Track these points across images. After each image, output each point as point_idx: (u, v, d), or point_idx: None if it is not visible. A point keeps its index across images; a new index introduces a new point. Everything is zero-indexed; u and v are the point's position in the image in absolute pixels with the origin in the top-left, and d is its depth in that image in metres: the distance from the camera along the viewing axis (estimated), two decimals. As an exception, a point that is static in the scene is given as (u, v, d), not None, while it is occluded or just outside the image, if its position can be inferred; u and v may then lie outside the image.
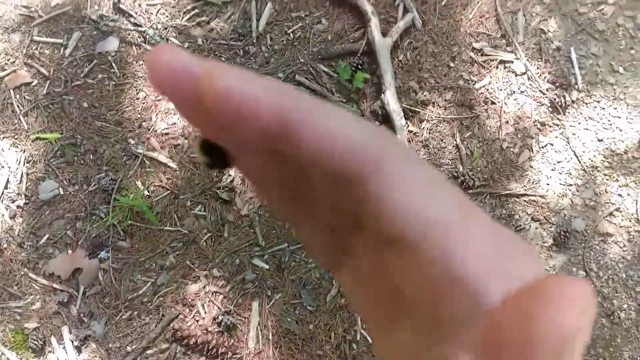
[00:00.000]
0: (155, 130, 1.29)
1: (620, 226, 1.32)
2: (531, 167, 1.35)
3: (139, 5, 1.34)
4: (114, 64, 1.32)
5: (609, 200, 1.33)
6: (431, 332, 0.16)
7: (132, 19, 1.32)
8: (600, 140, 1.37)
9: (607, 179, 1.34)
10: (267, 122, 0.15)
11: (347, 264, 0.18)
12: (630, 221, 1.32)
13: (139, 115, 1.30)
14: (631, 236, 1.31)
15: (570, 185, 1.34)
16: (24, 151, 1.28)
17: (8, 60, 1.32)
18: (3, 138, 1.28)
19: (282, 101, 0.15)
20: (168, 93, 0.16)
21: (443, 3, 1.40)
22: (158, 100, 1.30)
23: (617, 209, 1.33)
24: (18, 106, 1.29)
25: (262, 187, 0.19)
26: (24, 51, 1.32)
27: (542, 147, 1.36)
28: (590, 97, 1.39)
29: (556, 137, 1.36)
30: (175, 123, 1.29)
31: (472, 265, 0.15)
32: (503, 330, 0.13)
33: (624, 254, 1.30)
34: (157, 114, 1.30)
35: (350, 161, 0.15)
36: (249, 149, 0.16)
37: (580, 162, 1.35)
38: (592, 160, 1.35)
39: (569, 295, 0.13)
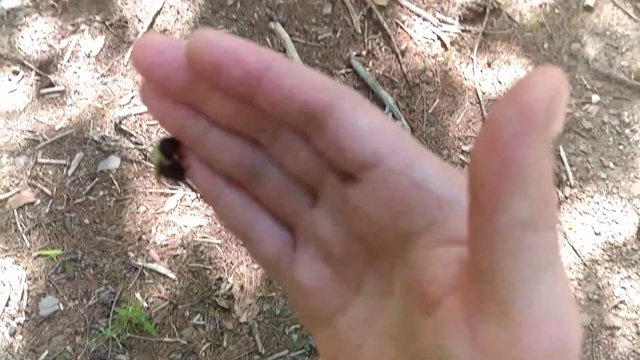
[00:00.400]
0: (155, 242, 1.77)
1: (627, 319, 1.74)
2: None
3: (140, 125, 1.89)
4: (115, 181, 1.83)
5: (613, 293, 1.77)
6: (400, 256, 0.27)
7: (133, 138, 1.86)
8: (597, 234, 1.84)
9: (609, 272, 1.79)
10: (251, 65, 0.26)
11: (313, 219, 0.30)
12: (636, 313, 1.74)
13: (139, 229, 1.79)
14: (639, 328, 1.73)
15: (572, 280, 1.78)
16: (26, 268, 1.75)
17: (13, 182, 1.84)
18: (5, 257, 1.76)
19: (263, 51, 0.26)
20: (157, 68, 0.28)
21: (430, 111, 1.96)
22: (158, 214, 1.79)
23: (622, 302, 1.76)
24: (21, 225, 1.79)
25: (214, 179, 0.32)
26: (29, 173, 1.85)
27: (541, 244, 1.82)
28: (584, 193, 1.89)
29: (553, 232, 1.83)
30: (174, 234, 1.78)
31: (432, 173, 0.26)
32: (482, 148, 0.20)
33: (633, 347, 1.71)
34: (156, 227, 1.79)
35: (319, 95, 0.26)
36: (225, 94, 0.28)
37: (579, 257, 1.81)
38: (591, 254, 1.81)
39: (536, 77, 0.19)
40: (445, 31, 2.02)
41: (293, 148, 0.30)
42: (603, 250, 1.80)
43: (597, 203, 1.85)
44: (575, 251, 1.79)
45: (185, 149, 0.33)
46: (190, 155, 0.33)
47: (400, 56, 1.97)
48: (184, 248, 1.75)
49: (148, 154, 1.82)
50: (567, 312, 0.21)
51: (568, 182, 1.87)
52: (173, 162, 0.34)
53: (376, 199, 0.28)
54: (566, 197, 1.86)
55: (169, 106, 0.31)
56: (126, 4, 2.06)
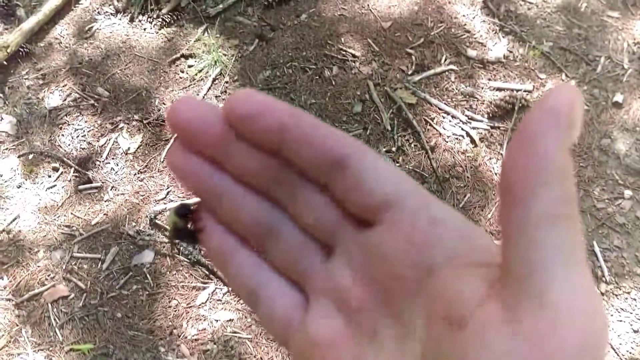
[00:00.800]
0: (186, 337, 1.88)
1: (671, 421, 1.77)
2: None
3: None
4: (148, 275, 1.97)
5: (654, 393, 1.81)
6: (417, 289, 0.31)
7: (167, 233, 2.01)
8: (636, 332, 1.90)
9: (649, 371, 1.84)
10: (284, 116, 0.32)
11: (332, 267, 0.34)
12: (680, 416, 1.77)
13: (170, 323, 1.90)
14: None
15: (611, 379, 1.83)
16: (58, 362, 1.86)
17: (48, 276, 1.98)
18: (38, 350, 1.88)
19: (293, 107, 0.32)
20: (191, 124, 0.34)
21: (461, 205, 2.08)
22: (189, 307, 1.91)
23: (665, 403, 1.80)
24: (55, 319, 1.92)
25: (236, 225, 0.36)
26: (64, 267, 1.99)
27: (577, 341, 1.88)
28: (620, 289, 1.96)
29: (590, 330, 1.90)
30: (205, 328, 1.88)
31: (448, 212, 0.31)
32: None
33: None
34: (187, 321, 1.90)
35: (343, 145, 0.32)
36: (253, 145, 0.34)
37: (618, 355, 1.86)
38: (630, 353, 1.86)
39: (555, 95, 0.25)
40: (474, 128, 2.17)
41: (310, 201, 0.35)
42: (643, 348, 1.85)
43: (634, 300, 1.92)
44: (614, 349, 1.85)
45: (201, 212, 0.38)
46: (205, 217, 0.37)
47: (429, 152, 2.12)
48: (214, 343, 1.85)
49: (181, 248, 1.95)
50: (597, 306, 0.25)
51: (604, 278, 1.95)
52: (186, 225, 0.39)
53: (397, 236, 0.32)
54: (602, 294, 1.93)
55: (196, 162, 0.36)
56: (164, 103, 2.27)
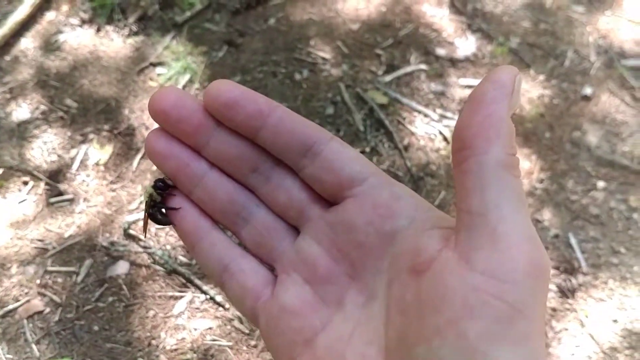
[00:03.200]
0: (165, 347, 1.85)
1: (653, 408, 1.78)
2: (549, 354, 1.86)
3: (149, 230, 2.01)
4: (124, 286, 1.93)
5: (635, 381, 1.82)
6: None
7: (141, 243, 1.98)
8: (615, 321, 1.91)
9: (629, 359, 1.85)
10: (263, 105, 0.36)
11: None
12: (661, 402, 1.78)
13: (148, 334, 1.87)
14: (666, 418, 1.76)
15: (592, 369, 1.84)
16: (34, 379, 1.82)
17: (23, 291, 1.94)
18: (14, 367, 1.84)
19: (264, 96, 0.37)
20: (172, 112, 0.37)
21: (436, 203, 2.07)
22: (167, 317, 1.88)
23: (646, 390, 1.80)
24: (30, 334, 1.87)
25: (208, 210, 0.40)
26: (38, 281, 1.95)
27: (557, 333, 1.89)
28: (597, 279, 1.97)
29: (569, 321, 1.90)
30: (184, 338, 1.85)
31: (408, 190, 0.37)
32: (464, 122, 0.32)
33: None
34: (166, 331, 1.86)
35: (309, 133, 0.37)
36: (232, 132, 0.38)
37: (598, 345, 1.86)
38: (610, 342, 1.87)
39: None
40: (446, 126, 2.18)
41: (283, 183, 0.39)
42: (622, 337, 1.86)
43: (612, 290, 1.93)
44: (594, 339, 1.85)
45: (176, 190, 0.41)
46: (180, 197, 0.41)
47: (403, 151, 2.12)
48: (194, 352, 1.82)
49: (157, 257, 1.93)
50: (539, 241, 0.30)
51: (581, 269, 1.96)
52: (162, 200, 0.41)
53: (361, 209, 0.37)
54: (580, 285, 1.94)
55: (176, 146, 0.39)
56: (134, 112, 2.24)
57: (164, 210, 0.43)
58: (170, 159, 0.39)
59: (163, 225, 0.44)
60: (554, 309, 1.90)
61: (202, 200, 0.40)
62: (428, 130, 2.19)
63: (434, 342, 0.30)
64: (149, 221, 0.45)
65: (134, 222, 2.01)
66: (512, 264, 0.29)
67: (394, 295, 0.35)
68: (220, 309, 1.88)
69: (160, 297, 1.91)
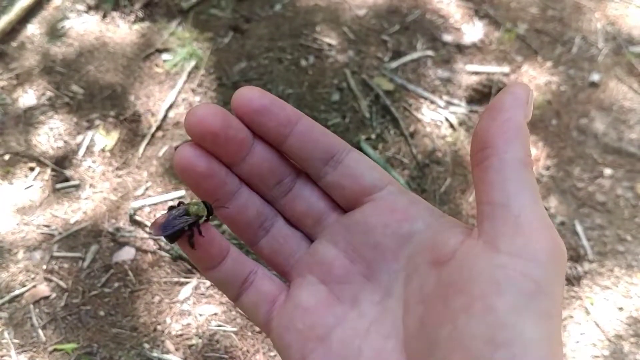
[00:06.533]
0: (170, 333, 1.85)
1: (658, 396, 1.77)
2: (554, 341, 1.84)
3: (154, 215, 2.01)
4: (130, 272, 1.93)
5: (641, 369, 1.80)
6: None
7: (147, 229, 1.98)
8: (620, 309, 1.89)
9: (635, 347, 1.83)
10: (290, 112, 0.38)
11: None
12: (666, 390, 1.77)
13: (154, 319, 1.87)
14: (671, 406, 1.75)
15: (597, 357, 1.82)
16: (41, 363, 1.82)
17: (29, 276, 1.94)
18: (21, 352, 1.83)
19: (292, 107, 0.39)
20: (208, 129, 0.37)
21: (442, 190, 2.06)
22: (173, 303, 1.88)
23: (651, 378, 1.79)
24: (37, 320, 1.87)
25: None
26: (44, 267, 1.95)
27: (563, 320, 1.87)
28: (603, 267, 1.95)
29: (575, 309, 1.89)
30: (189, 323, 1.85)
31: (421, 199, 0.41)
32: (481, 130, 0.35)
33: None
34: (171, 316, 1.86)
35: (332, 143, 0.40)
36: (265, 138, 0.39)
37: (603, 333, 1.85)
38: (615, 330, 1.86)
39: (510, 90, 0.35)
40: (452, 112, 2.16)
41: (304, 192, 0.41)
42: (627, 325, 1.85)
43: (617, 277, 1.92)
44: (599, 327, 1.84)
45: (217, 215, 0.43)
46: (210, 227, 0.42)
47: (409, 138, 2.10)
48: (199, 337, 1.82)
49: (162, 243, 1.92)
50: (556, 232, 0.33)
51: (587, 257, 1.94)
52: (203, 221, 0.41)
53: (379, 212, 0.39)
54: (585, 272, 1.92)
55: (215, 165, 0.40)
56: (139, 98, 2.23)
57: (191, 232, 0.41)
58: (211, 179, 0.39)
59: (187, 246, 0.42)
60: (559, 297, 1.89)
61: (231, 215, 0.41)
62: (434, 117, 2.17)
63: (460, 320, 0.31)
64: (181, 238, 0.42)
65: (140, 208, 2.00)
66: (536, 245, 0.31)
67: (413, 288, 0.37)
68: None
69: (165, 282, 1.90)
